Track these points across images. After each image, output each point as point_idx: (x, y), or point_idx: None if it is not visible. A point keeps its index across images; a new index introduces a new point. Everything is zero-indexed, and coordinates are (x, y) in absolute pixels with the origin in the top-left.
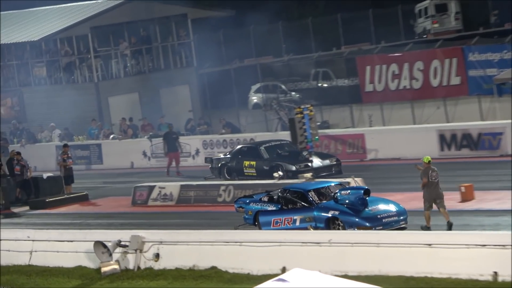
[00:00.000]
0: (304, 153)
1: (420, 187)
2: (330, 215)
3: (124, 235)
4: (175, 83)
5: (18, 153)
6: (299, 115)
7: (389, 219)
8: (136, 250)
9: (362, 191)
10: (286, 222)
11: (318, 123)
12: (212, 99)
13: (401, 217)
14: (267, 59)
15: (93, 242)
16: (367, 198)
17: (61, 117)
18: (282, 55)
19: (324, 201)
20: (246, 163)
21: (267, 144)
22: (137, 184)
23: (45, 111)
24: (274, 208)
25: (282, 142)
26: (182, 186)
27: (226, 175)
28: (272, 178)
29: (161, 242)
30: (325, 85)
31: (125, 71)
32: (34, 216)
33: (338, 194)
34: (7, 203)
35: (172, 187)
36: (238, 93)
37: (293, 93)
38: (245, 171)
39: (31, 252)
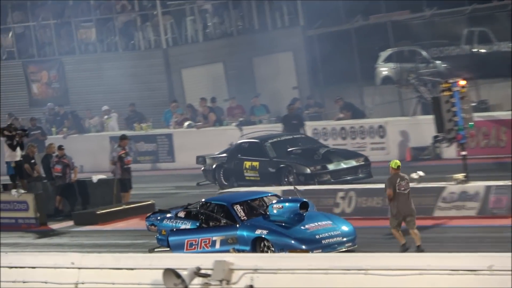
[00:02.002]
0: (321, 150)
1: (387, 201)
2: (257, 234)
3: (205, 260)
4: (274, 50)
5: (60, 148)
6: (446, 93)
7: (331, 240)
8: (221, 281)
9: (298, 205)
10: (203, 244)
11: (474, 104)
12: (326, 71)
13: (347, 238)
14: (401, 15)
15: (162, 271)
16: (304, 213)
17: (117, 97)
18: (423, 9)
19: (254, 218)
20: (247, 164)
21: (275, 139)
22: (222, 189)
23: (94, 89)
24: (190, 226)
25: (294, 136)
26: (284, 192)
27: (222, 179)
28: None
29: (255, 269)
30: (483, 50)
31: (204, 33)
32: (80, 234)
33: (270, 208)
34: (43, 217)
35: (281, 194)
36: (361, 63)
37: (438, 62)
38: (245, 174)
39: (76, 284)
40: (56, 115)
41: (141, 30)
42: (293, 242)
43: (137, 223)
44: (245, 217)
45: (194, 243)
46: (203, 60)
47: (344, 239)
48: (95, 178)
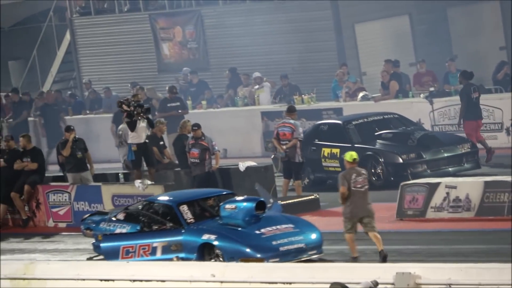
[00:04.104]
0: (417, 135)
1: (339, 199)
2: (203, 240)
3: (383, 271)
4: None
5: (196, 127)
6: None
7: (290, 247)
8: None
9: (254, 205)
10: (141, 251)
11: None
12: None
13: (311, 245)
14: None
15: (328, 285)
16: (261, 215)
17: (271, 61)
18: None
19: (203, 221)
20: (326, 151)
21: (361, 120)
22: (407, 181)
23: (241, 51)
24: (129, 230)
25: (385, 116)
26: (487, 183)
27: None
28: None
29: (449, 284)
30: None
31: None
32: None
33: (221, 209)
34: None
35: (470, 186)
36: None
37: None
38: (323, 163)
39: None
40: (194, 84)
41: None
42: (245, 249)
43: None
44: (192, 220)
45: (131, 250)
46: (383, 12)
47: (307, 246)
48: (243, 165)
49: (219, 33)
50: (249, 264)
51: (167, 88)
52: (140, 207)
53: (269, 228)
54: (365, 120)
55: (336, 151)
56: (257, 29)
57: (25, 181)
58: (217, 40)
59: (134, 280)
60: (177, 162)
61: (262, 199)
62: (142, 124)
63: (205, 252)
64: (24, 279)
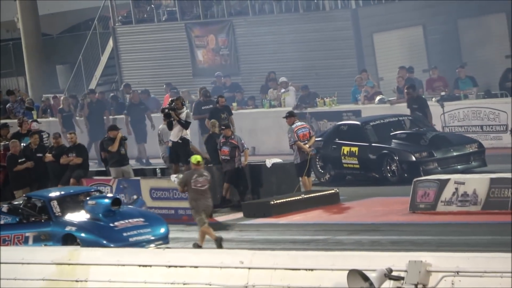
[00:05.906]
0: (429, 135)
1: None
2: (66, 231)
3: (397, 260)
4: (484, 11)
5: (225, 127)
6: None
7: (139, 238)
8: (416, 285)
9: (110, 201)
10: (16, 240)
11: None
12: None
13: (157, 236)
14: None
15: (346, 272)
16: (117, 210)
17: (296, 67)
18: None
19: (70, 214)
20: (345, 149)
21: (378, 121)
22: (419, 177)
23: (268, 57)
24: (8, 221)
25: (400, 118)
26: (493, 180)
27: (318, 166)
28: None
29: (457, 272)
30: None
31: None
32: (251, 228)
33: (85, 204)
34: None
35: (477, 182)
36: None
37: None
38: (343, 161)
39: (246, 286)
40: (224, 87)
41: None
42: (100, 240)
43: (319, 216)
44: (60, 213)
45: (7, 239)
46: (399, 22)
47: (153, 237)
48: (269, 162)
49: (249, 41)
50: (275, 252)
51: (198, 90)
52: (21, 201)
53: (122, 222)
54: (382, 121)
55: (354, 149)
56: (284, 37)
57: (70, 175)
58: (247, 48)
59: (169, 266)
60: (208, 158)
61: (117, 196)
62: (176, 125)
63: (68, 242)
64: (69, 264)
